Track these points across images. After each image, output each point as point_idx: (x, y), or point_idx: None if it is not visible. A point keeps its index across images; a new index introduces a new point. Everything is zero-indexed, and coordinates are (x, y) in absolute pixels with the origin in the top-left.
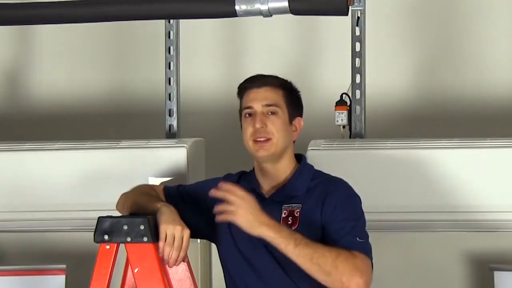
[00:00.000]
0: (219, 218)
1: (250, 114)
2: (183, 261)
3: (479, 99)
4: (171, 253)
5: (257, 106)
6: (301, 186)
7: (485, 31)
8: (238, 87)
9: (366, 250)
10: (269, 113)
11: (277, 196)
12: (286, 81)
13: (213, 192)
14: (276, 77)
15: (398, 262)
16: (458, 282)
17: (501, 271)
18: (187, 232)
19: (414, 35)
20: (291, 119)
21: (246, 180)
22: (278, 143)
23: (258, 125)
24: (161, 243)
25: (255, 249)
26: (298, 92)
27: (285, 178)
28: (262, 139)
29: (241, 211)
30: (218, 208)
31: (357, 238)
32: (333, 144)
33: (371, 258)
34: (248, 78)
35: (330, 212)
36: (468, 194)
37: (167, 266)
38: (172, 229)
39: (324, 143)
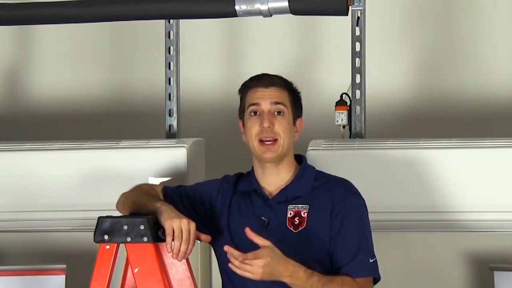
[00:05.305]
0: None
1: (255, 113)
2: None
3: (479, 99)
4: (180, 247)
5: (265, 105)
6: (306, 186)
7: (485, 31)
8: (243, 85)
9: (373, 270)
10: (276, 112)
11: (280, 196)
12: (289, 81)
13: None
14: (281, 77)
15: (398, 262)
16: (458, 282)
17: (501, 271)
18: (193, 225)
19: (414, 35)
20: (294, 119)
21: (245, 181)
22: (284, 144)
23: (266, 124)
24: (169, 239)
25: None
26: (299, 93)
27: (288, 179)
28: (269, 140)
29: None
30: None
31: (369, 259)
32: (333, 144)
33: (377, 273)
34: (254, 77)
35: (338, 226)
36: (468, 194)
37: (167, 266)
38: (179, 223)
39: (324, 143)
